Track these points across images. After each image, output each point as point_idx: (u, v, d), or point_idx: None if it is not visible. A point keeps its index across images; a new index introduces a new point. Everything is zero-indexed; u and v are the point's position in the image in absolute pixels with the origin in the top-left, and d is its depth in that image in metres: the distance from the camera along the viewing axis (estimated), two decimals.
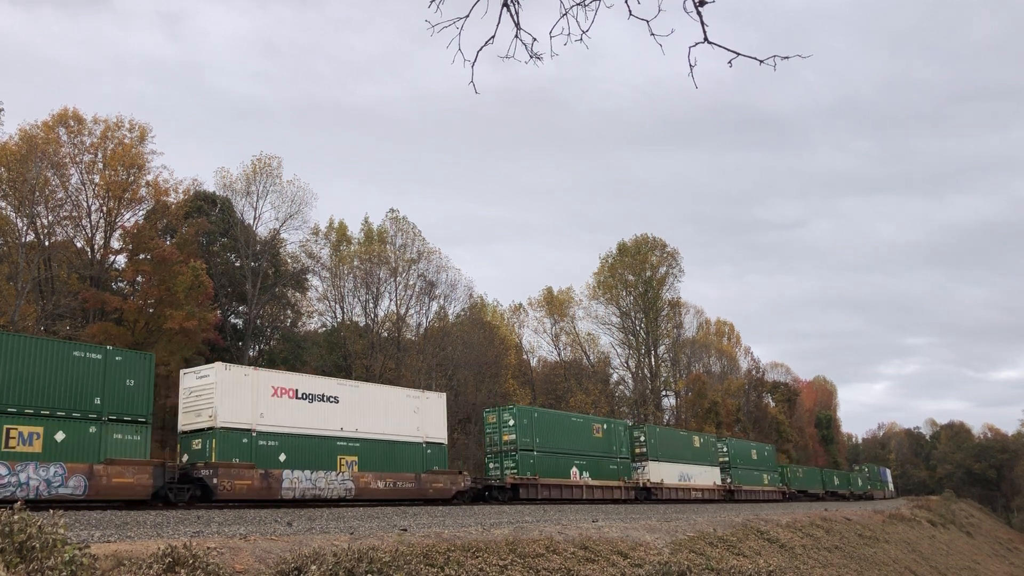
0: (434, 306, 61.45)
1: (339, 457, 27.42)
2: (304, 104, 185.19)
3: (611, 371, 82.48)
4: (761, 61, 5.69)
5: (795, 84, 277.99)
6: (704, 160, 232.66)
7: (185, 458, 24.69)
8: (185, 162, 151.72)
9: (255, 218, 51.63)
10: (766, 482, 61.69)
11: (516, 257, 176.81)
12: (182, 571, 10.09)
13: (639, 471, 44.74)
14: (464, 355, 58.84)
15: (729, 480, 55.09)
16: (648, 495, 44.29)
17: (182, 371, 26.83)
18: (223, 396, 24.56)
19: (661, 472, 45.98)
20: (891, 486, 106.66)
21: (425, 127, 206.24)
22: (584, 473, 39.43)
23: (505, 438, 36.52)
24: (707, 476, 51.60)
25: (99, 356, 21.79)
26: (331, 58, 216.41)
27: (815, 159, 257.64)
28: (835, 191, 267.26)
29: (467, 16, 6.02)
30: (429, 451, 31.07)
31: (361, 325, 56.71)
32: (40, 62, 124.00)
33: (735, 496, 54.79)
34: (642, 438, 46.27)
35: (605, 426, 42.57)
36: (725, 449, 56.56)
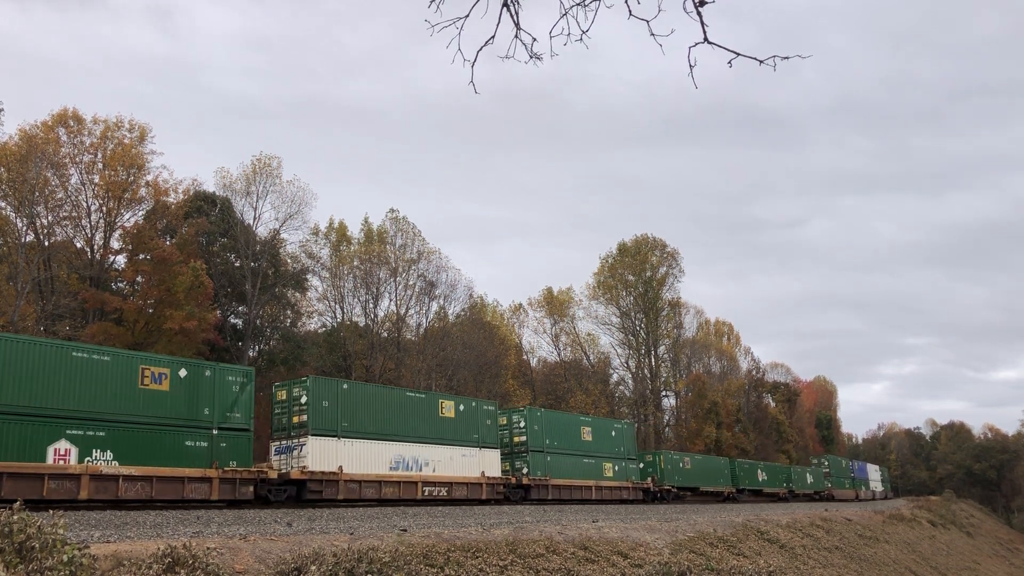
0: (434, 306, 61.58)
1: None
2: (303, 104, 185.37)
3: (611, 371, 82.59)
4: (761, 61, 5.69)
5: (795, 83, 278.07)
6: (704, 159, 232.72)
7: None
8: (185, 162, 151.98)
9: (255, 218, 51.71)
10: (610, 475, 42.12)
11: (516, 257, 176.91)
12: (182, 571, 10.08)
13: (293, 454, 27.04)
14: (464, 355, 58.86)
15: (525, 470, 36.61)
16: (299, 492, 26.48)
17: None
18: None
19: (341, 455, 27.76)
20: (878, 485, 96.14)
21: (424, 126, 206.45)
22: (104, 453, 21.05)
23: None
24: (469, 464, 33.13)
25: None
26: (329, 57, 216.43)
27: (814, 158, 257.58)
28: (835, 190, 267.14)
29: (467, 16, 6.02)
30: None
31: (361, 325, 56.77)
32: (37, 61, 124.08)
33: (531, 494, 36.39)
34: (304, 399, 27.28)
35: (184, 371, 23.39)
36: (521, 424, 37.51)
